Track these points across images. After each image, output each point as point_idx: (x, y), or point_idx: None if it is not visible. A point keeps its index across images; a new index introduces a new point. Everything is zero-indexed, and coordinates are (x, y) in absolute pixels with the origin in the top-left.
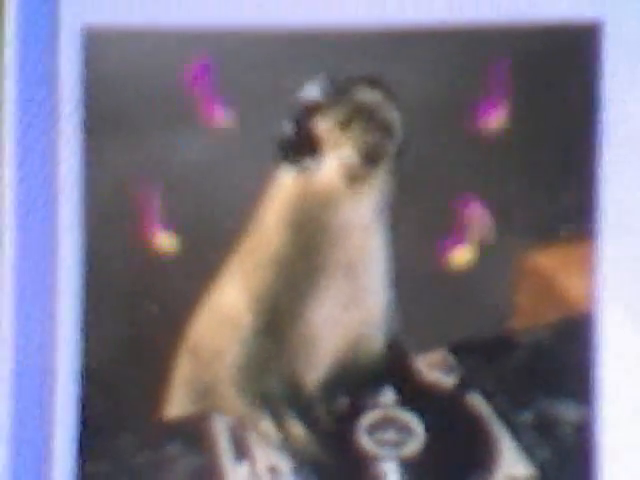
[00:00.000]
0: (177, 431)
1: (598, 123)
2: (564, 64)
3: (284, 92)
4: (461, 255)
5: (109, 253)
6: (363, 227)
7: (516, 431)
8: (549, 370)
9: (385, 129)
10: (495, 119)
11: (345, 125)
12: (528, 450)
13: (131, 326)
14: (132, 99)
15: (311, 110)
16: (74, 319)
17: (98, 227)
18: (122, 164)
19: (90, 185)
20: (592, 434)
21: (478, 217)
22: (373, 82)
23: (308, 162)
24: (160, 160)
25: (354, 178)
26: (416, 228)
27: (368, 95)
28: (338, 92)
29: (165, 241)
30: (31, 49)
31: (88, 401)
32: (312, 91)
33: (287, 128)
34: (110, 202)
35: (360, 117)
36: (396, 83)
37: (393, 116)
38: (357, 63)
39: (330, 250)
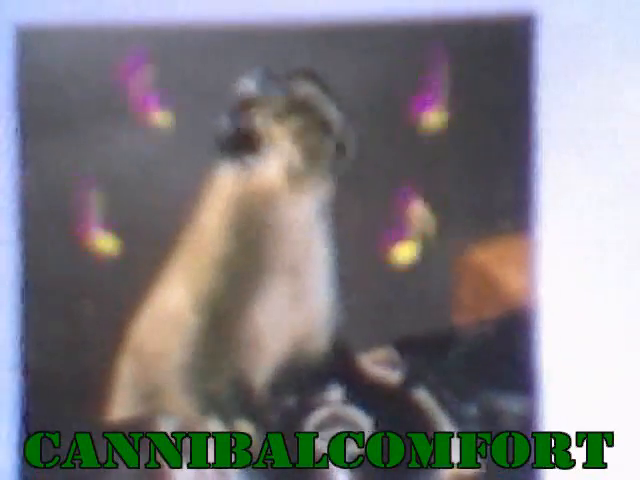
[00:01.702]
0: (122, 432)
1: (534, 118)
2: (500, 57)
3: (221, 87)
4: (403, 251)
5: (47, 255)
6: (305, 225)
7: (461, 424)
8: (492, 364)
9: (324, 125)
10: (433, 114)
11: (282, 118)
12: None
13: (71, 327)
14: (67, 98)
15: (247, 105)
16: (13, 321)
17: (36, 228)
18: (59, 165)
19: (27, 186)
20: (534, 425)
21: (418, 212)
22: (309, 75)
23: (248, 159)
24: (97, 160)
25: (295, 176)
26: (358, 225)
27: (305, 88)
28: (274, 86)
29: (104, 242)
30: None
31: (29, 403)
32: (248, 85)
33: (225, 123)
34: (47, 203)
35: (297, 111)
36: (333, 77)
37: (331, 111)
38: (293, 57)
39: (273, 249)
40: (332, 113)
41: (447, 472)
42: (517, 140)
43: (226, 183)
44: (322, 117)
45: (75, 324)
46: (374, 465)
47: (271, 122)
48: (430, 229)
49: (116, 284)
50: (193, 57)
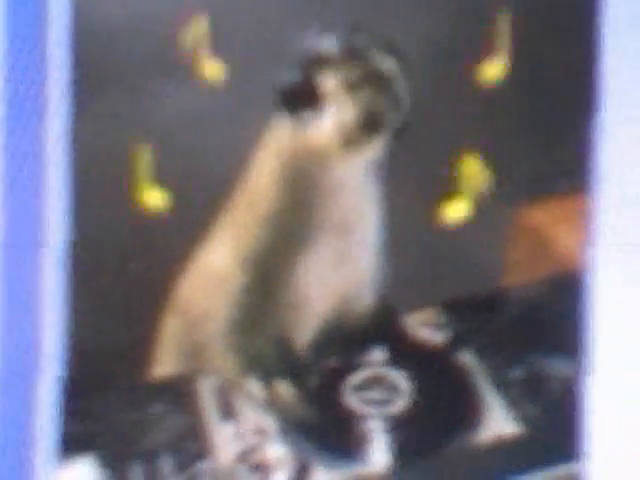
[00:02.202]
0: (164, 391)
1: (598, 76)
2: (565, 12)
3: (282, 44)
4: (455, 209)
5: (97, 211)
6: (356, 186)
7: (506, 388)
8: (540, 326)
9: (393, 100)
10: (493, 69)
11: (355, 87)
12: (517, 407)
13: (119, 285)
14: (123, 54)
15: (319, 62)
16: (61, 278)
17: (87, 184)
18: (113, 120)
19: (79, 142)
20: (582, 390)
21: (473, 170)
22: (391, 49)
23: (306, 115)
24: (151, 115)
25: (349, 140)
26: (410, 183)
27: (385, 62)
28: (353, 51)
29: (155, 199)
30: (19, 3)
31: (74, 360)
32: (327, 43)
33: (292, 75)
34: (100, 159)
35: (370, 82)
36: (396, 32)
37: (404, 88)
38: (353, 9)
39: (322, 208)
40: (403, 89)
41: (487, 434)
42: (579, 98)
43: (279, 139)
44: (395, 94)
45: (124, 282)
46: (412, 425)
47: (341, 86)
48: (484, 187)
49: (165, 242)
50: (249, 9)
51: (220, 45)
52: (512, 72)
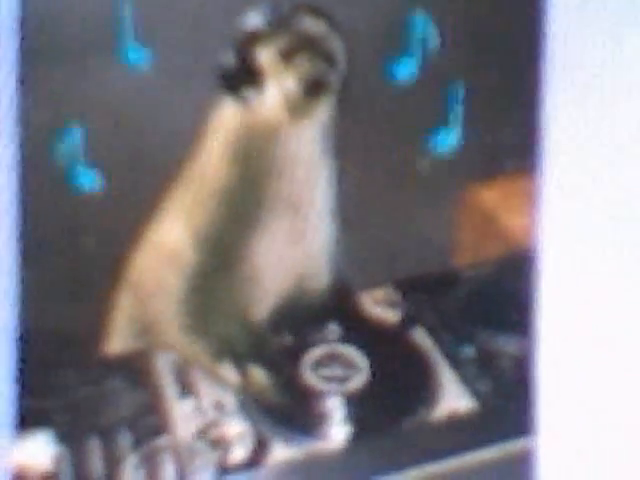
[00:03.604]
0: (120, 366)
1: (542, 58)
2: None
3: (223, 22)
4: (406, 191)
5: (44, 190)
6: (307, 160)
7: (458, 365)
8: (491, 305)
9: (328, 59)
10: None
11: (288, 55)
12: (470, 383)
13: (69, 262)
14: (67, 31)
15: (252, 39)
16: (11, 257)
17: (33, 161)
18: (58, 97)
19: (24, 119)
20: (531, 366)
21: (422, 152)
22: (317, 11)
23: (250, 93)
24: (98, 92)
25: (296, 110)
26: (362, 164)
27: (312, 25)
28: (281, 21)
29: (89, 178)
30: None
31: (29, 337)
32: (254, 19)
33: (228, 58)
34: (43, 138)
35: (304, 47)
36: (337, 9)
37: (337, 47)
38: None
39: (273, 183)
40: (335, 47)
41: (442, 410)
42: (525, 79)
43: (226, 117)
44: (328, 53)
45: (75, 259)
46: (369, 402)
47: (276, 58)
48: (434, 167)
49: (116, 217)
50: None
51: (161, 26)
52: (459, 51)
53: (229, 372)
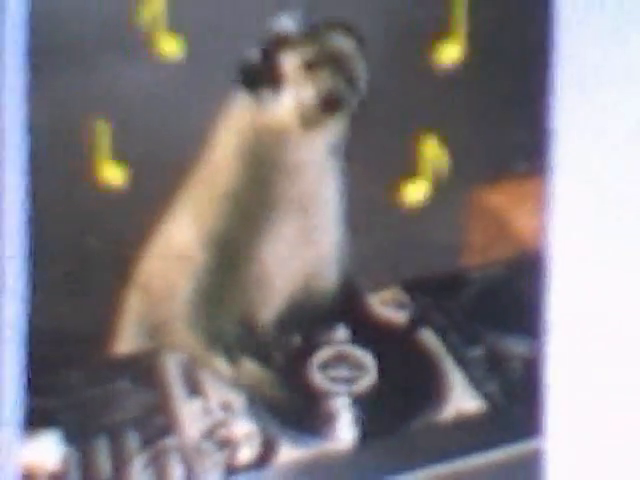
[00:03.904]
0: (128, 367)
1: (552, 61)
2: (519, 2)
3: (249, 21)
4: (414, 191)
5: (56, 188)
6: (316, 164)
7: (466, 366)
8: (499, 306)
9: (350, 80)
10: (452, 55)
11: (313, 67)
12: (478, 385)
13: (79, 262)
14: (81, 29)
15: (281, 42)
16: (21, 256)
17: (45, 161)
18: (68, 97)
19: (37, 118)
20: (540, 368)
21: (431, 152)
22: (349, 30)
23: (266, 94)
24: (110, 91)
25: (308, 121)
26: (370, 164)
27: (342, 42)
28: (312, 31)
29: (113, 175)
30: None
31: (37, 338)
32: (286, 23)
33: (253, 54)
34: (57, 135)
35: (328, 63)
36: (353, 18)
37: (361, 69)
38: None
39: (283, 186)
40: (361, 70)
41: (450, 411)
42: (535, 81)
43: (239, 117)
44: (352, 74)
45: (85, 259)
46: (377, 403)
47: (300, 66)
48: (442, 169)
49: (124, 219)
50: None
51: (178, 21)
52: (469, 54)
53: (237, 373)
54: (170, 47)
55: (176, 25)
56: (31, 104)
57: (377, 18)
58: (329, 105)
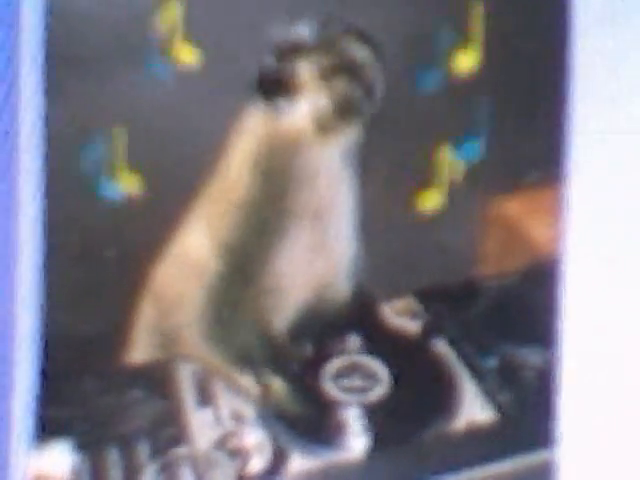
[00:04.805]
0: (140, 376)
1: (568, 70)
2: (537, 8)
3: (255, 30)
4: (429, 199)
5: (70, 196)
6: (331, 172)
7: (480, 376)
8: (514, 316)
9: (366, 88)
10: (468, 63)
11: (329, 75)
12: (491, 395)
13: (93, 270)
14: (97, 37)
15: (296, 51)
16: (35, 264)
17: (59, 169)
18: (86, 105)
19: (52, 126)
20: (554, 379)
21: (446, 160)
22: (366, 38)
23: (281, 102)
24: (124, 100)
25: (324, 128)
26: (385, 174)
27: (358, 50)
28: (329, 39)
29: (129, 184)
30: None
31: (50, 346)
32: (302, 31)
33: (269, 63)
34: (72, 144)
35: (345, 71)
36: (369, 23)
37: (377, 77)
38: (341, 9)
39: (297, 195)
40: (377, 78)
41: (462, 421)
42: (550, 90)
43: (254, 126)
44: (368, 81)
45: (98, 267)
46: (389, 413)
47: (316, 74)
48: (457, 178)
49: (141, 226)
50: None
51: (194, 30)
52: (485, 62)
53: (249, 382)
54: (186, 56)
55: (193, 34)
56: (47, 113)
57: (394, 25)
58: (345, 112)
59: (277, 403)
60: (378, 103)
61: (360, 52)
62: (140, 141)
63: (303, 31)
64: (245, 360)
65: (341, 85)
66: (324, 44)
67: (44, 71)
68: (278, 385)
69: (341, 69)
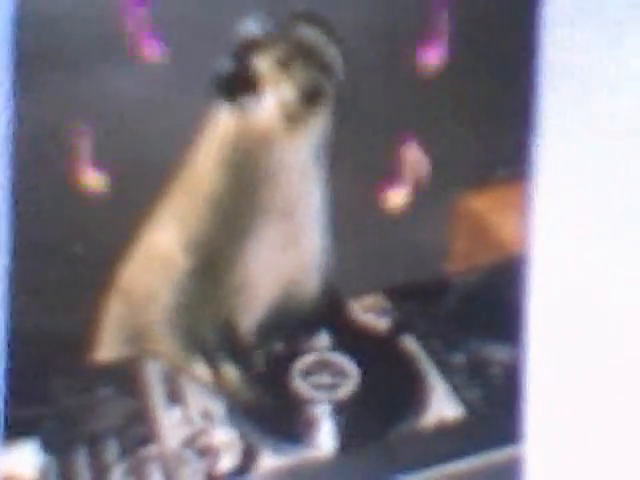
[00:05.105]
0: (109, 374)
1: (536, 65)
2: (504, 4)
3: (222, 27)
4: (397, 196)
5: (38, 192)
6: (300, 168)
7: (448, 373)
8: (482, 312)
9: (325, 68)
10: (434, 58)
11: (285, 63)
12: (458, 391)
13: (61, 267)
14: (64, 35)
15: (250, 47)
16: (2, 261)
17: (27, 165)
18: (53, 101)
19: (20, 123)
20: (522, 375)
21: (414, 157)
22: (313, 19)
23: (246, 100)
24: (92, 97)
25: (292, 118)
26: (353, 169)
27: (309, 33)
28: (278, 29)
29: (94, 181)
30: None
31: (17, 345)
32: (251, 27)
33: (225, 65)
34: (40, 140)
35: (300, 55)
36: (335, 20)
37: (333, 55)
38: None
39: (266, 191)
40: (333, 56)
41: (431, 417)
42: (518, 86)
43: (221, 124)
44: (324, 61)
45: (65, 264)
46: (358, 409)
47: (273, 66)
48: (426, 175)
49: (108, 223)
50: None
51: (162, 31)
52: (452, 58)
53: (217, 378)
54: (153, 52)
55: (159, 29)
56: (16, 111)
57: (360, 20)
58: (310, 97)
59: (247, 401)
60: (339, 80)
61: (310, 34)
62: (108, 138)
63: (253, 26)
64: (212, 355)
65: (300, 70)
66: (275, 34)
67: (13, 69)
68: (246, 383)
69: (297, 55)
